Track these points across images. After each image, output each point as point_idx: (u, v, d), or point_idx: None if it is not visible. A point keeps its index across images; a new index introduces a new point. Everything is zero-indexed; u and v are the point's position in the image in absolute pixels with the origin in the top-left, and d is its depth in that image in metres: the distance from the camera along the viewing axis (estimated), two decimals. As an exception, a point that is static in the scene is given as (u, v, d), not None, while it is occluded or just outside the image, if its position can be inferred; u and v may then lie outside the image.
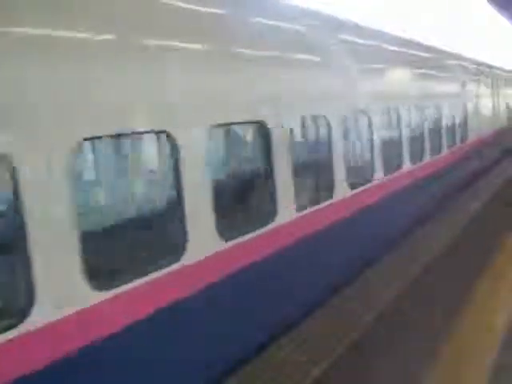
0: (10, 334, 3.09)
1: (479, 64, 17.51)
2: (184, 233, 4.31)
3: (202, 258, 4.49)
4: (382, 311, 5.25)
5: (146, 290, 3.98)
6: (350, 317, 5.25)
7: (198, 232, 4.42)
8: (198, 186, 4.47)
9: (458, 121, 13.16)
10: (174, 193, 4.37)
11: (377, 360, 4.93)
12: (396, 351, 5.42)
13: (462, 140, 13.64)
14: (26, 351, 3.17)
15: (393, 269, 6.80)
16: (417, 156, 9.96)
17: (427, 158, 10.55)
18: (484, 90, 17.29)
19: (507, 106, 22.44)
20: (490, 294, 8.24)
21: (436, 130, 11.42)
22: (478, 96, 15.87)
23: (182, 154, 4.27)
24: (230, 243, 4.80)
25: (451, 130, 12.57)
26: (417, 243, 8.13)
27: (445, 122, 11.92)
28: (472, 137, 14.66)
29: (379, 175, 8.07)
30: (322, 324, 5.12)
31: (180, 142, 4.26)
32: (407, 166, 9.50)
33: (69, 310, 3.43)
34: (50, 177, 3.32)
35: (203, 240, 4.52)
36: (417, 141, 10.05)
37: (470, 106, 14.59)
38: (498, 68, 21.40)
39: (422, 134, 10.41)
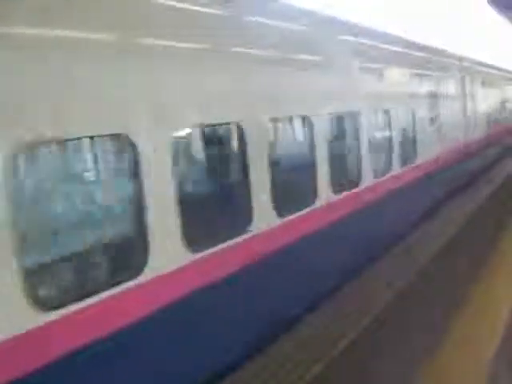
0: None
1: (442, 55, 13.06)
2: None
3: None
4: (380, 312, 5.32)
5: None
6: (348, 316, 5.31)
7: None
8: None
9: (396, 135, 9.07)
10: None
11: (377, 358, 5.00)
12: (396, 349, 5.50)
13: (405, 163, 9.39)
14: None
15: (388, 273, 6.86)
16: (304, 196, 6.33)
17: (329, 196, 6.62)
18: (450, 90, 13.17)
19: (489, 109, 17.83)
20: (487, 292, 8.34)
21: (346, 153, 7.60)
22: (438, 98, 11.75)
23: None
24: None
25: (379, 149, 8.49)
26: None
27: (368, 138, 7.91)
28: (424, 157, 10.42)
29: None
30: (322, 322, 5.19)
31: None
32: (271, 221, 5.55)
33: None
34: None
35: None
36: (307, 171, 6.43)
37: (421, 114, 10.52)
38: (473, 61, 16.33)
39: (314, 161, 6.43)
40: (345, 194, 7.05)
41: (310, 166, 6.39)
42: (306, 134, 6.44)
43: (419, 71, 11.16)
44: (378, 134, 8.63)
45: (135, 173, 3.95)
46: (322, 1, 7.36)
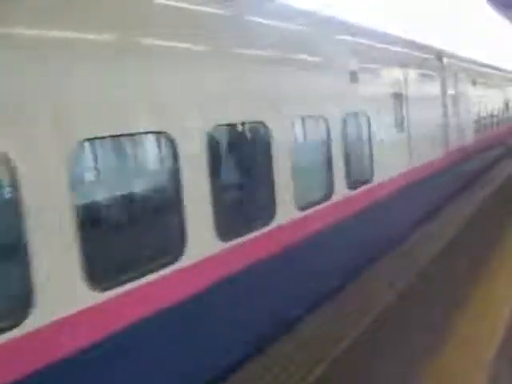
0: None
1: (415, 48, 10.77)
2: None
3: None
4: (380, 312, 5.34)
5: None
6: (348, 317, 5.33)
7: None
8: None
9: (339, 150, 6.93)
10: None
11: (377, 358, 5.01)
12: (396, 350, 5.51)
13: (354, 185, 7.26)
14: None
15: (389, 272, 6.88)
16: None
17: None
18: (426, 93, 10.96)
19: (482, 112, 15.92)
20: (487, 293, 8.35)
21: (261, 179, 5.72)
22: (408, 103, 9.49)
23: None
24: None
25: (305, 171, 6.48)
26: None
27: (283, 156, 5.69)
28: (385, 175, 8.31)
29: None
30: (322, 322, 5.21)
31: None
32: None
33: None
34: None
35: None
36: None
37: (380, 124, 8.27)
38: (459, 58, 13.95)
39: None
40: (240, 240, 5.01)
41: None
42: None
43: (377, 68, 8.90)
44: (306, 151, 6.86)
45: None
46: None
